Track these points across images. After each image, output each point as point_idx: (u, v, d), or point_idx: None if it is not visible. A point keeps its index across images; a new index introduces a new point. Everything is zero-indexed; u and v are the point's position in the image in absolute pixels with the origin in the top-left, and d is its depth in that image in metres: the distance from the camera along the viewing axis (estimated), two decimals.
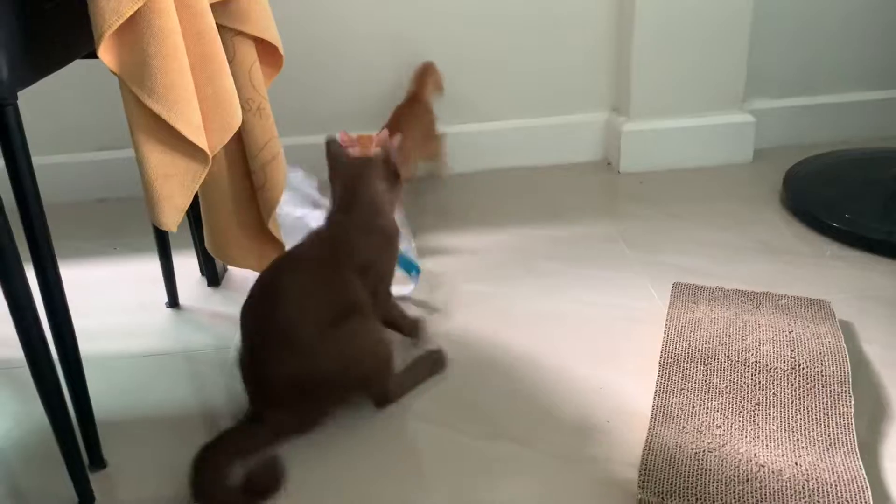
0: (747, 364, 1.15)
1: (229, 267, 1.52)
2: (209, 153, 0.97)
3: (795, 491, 0.92)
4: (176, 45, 0.90)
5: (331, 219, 1.21)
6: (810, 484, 0.93)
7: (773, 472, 0.95)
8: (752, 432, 1.02)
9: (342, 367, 1.05)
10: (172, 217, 0.96)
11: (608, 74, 1.94)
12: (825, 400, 1.07)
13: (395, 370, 1.13)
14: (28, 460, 1.10)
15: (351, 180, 1.19)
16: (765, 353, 1.17)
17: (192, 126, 0.93)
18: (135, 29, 0.87)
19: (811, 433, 1.02)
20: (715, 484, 0.94)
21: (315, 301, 1.07)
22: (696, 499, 0.92)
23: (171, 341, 1.35)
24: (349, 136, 1.54)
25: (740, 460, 0.97)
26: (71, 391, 0.97)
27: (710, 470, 0.96)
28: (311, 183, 1.58)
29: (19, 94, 0.87)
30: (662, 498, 0.92)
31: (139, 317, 1.43)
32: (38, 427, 1.08)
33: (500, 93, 1.94)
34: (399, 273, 1.34)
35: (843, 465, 0.96)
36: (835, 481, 0.93)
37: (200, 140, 0.95)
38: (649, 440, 1.01)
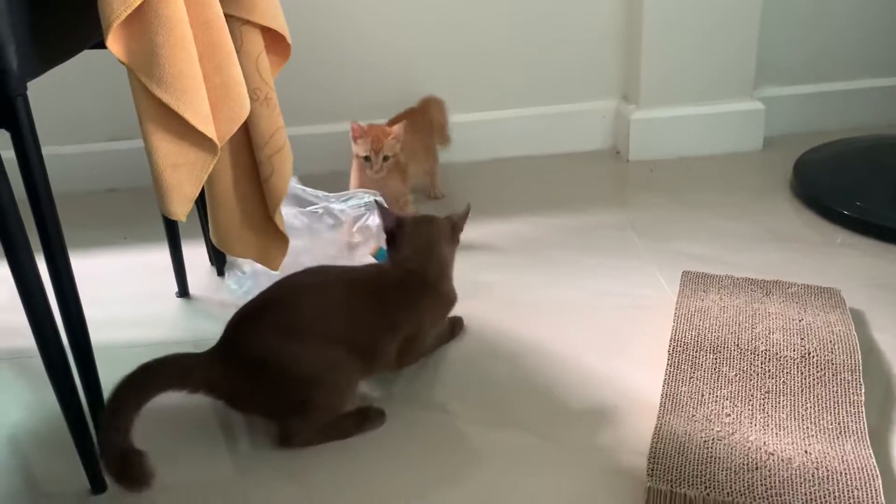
0: (757, 352, 1.15)
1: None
2: (218, 143, 0.97)
3: (805, 479, 0.92)
4: (184, 35, 0.90)
5: (400, 265, 1.18)
6: (820, 472, 0.93)
7: (782, 460, 0.95)
8: (761, 421, 1.02)
9: (297, 380, 1.03)
10: (182, 206, 0.97)
11: (617, 62, 1.93)
12: (835, 388, 1.07)
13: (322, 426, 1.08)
14: (40, 448, 1.11)
15: (422, 240, 1.18)
16: (775, 342, 1.17)
17: (200, 115, 0.93)
18: (143, 18, 0.87)
19: (821, 422, 1.01)
20: (724, 472, 0.94)
21: (336, 320, 1.06)
22: (706, 487, 0.92)
23: (180, 330, 1.36)
24: (360, 126, 1.54)
25: (750, 448, 0.97)
26: (82, 380, 0.98)
27: (720, 458, 0.96)
28: (295, 180, 1.55)
29: (29, 84, 0.88)
30: (672, 486, 0.92)
31: (149, 306, 1.44)
32: (50, 416, 1.08)
33: (508, 81, 1.94)
34: None
35: (854, 454, 0.96)
36: (845, 470, 0.93)
37: (209, 129, 0.95)
38: (658, 428, 1.01)
